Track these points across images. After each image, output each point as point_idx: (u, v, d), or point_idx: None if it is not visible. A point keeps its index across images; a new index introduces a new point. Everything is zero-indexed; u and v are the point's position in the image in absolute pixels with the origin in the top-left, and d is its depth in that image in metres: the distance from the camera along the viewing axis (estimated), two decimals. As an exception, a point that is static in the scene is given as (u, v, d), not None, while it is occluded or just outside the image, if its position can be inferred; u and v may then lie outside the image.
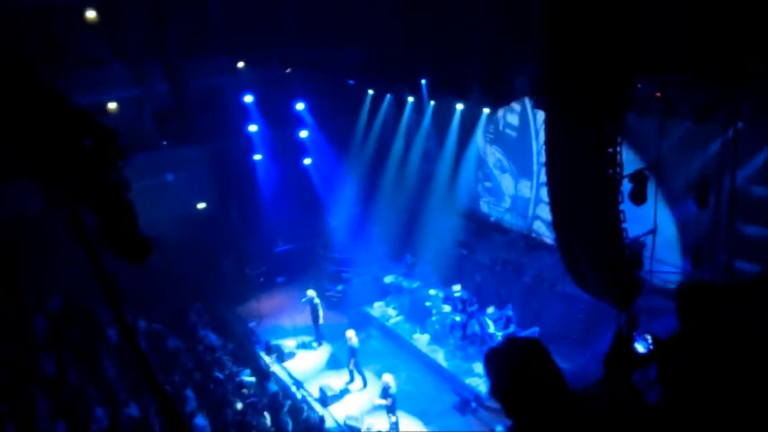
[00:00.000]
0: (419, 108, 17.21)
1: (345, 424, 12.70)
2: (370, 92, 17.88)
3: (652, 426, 2.87)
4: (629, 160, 9.09)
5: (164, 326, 14.65)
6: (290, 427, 12.06)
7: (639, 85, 9.74)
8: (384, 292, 17.41)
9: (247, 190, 18.51)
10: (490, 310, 14.74)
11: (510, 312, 14.37)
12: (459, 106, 15.90)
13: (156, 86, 16.67)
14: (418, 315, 16.16)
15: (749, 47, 8.46)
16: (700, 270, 11.02)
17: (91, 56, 15.69)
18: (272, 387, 13.52)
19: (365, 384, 14.31)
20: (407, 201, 18.24)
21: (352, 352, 14.24)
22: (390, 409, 12.59)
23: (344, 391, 14.18)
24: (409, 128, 17.88)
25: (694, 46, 8.77)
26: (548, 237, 14.30)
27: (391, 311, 16.93)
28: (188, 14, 16.65)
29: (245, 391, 12.96)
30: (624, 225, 8.68)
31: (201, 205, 18.26)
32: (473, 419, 12.91)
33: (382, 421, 12.63)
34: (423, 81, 15.66)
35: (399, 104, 17.76)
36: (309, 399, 13.65)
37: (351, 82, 17.50)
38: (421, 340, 15.66)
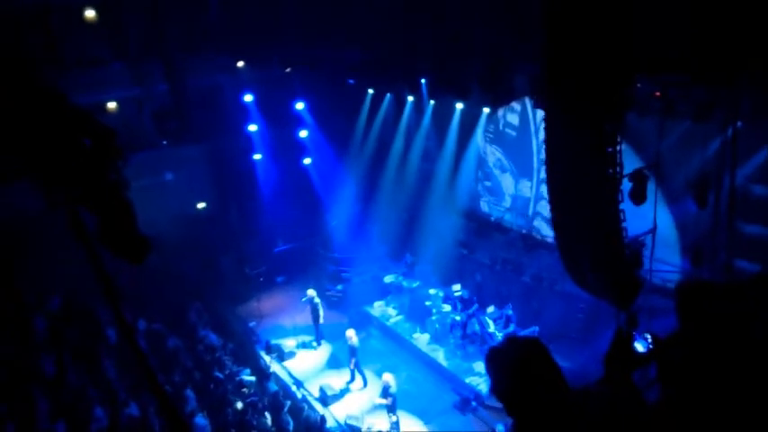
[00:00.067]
0: (419, 107, 17.21)
1: (346, 423, 12.71)
2: (370, 91, 17.88)
3: (652, 425, 2.87)
4: (629, 160, 9.09)
5: (163, 325, 14.66)
6: (290, 426, 12.06)
7: (639, 85, 9.76)
8: (384, 292, 17.41)
9: (247, 189, 18.50)
10: (490, 309, 14.74)
11: (510, 311, 14.38)
12: (459, 106, 15.89)
13: (155, 86, 16.65)
14: (418, 314, 16.16)
15: (748, 46, 8.46)
16: (699, 269, 11.03)
17: (91, 56, 15.67)
18: (273, 387, 13.54)
19: (365, 384, 14.31)
20: (407, 200, 18.24)
21: (353, 351, 14.24)
22: (391, 409, 12.59)
23: (345, 391, 14.18)
24: (409, 127, 17.88)
25: (694, 45, 8.78)
26: (548, 234, 14.28)
27: (391, 311, 16.93)
28: (188, 14, 16.63)
29: (245, 390, 12.96)
30: (624, 224, 8.69)
31: (201, 205, 18.27)
32: (473, 418, 12.90)
33: (383, 421, 12.63)
34: (422, 80, 15.66)
35: (399, 104, 17.76)
36: (310, 398, 13.65)
37: (351, 81, 17.50)
38: (421, 339, 15.66)
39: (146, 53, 16.36)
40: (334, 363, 15.43)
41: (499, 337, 13.81)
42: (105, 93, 15.49)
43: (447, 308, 15.36)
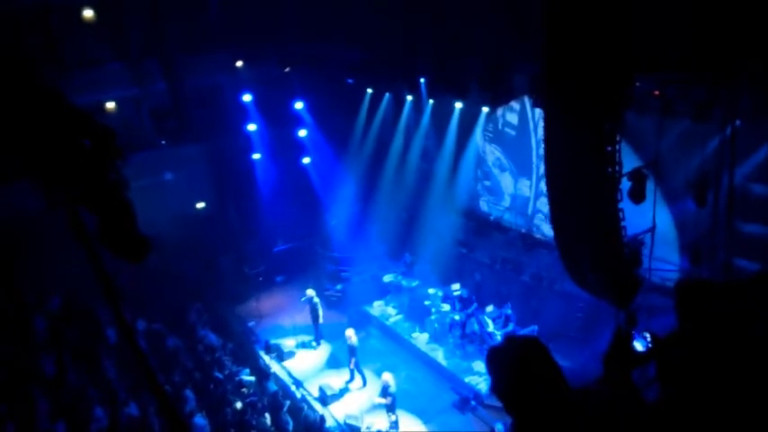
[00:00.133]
0: (418, 107, 17.21)
1: (345, 423, 12.71)
2: (369, 90, 17.88)
3: (651, 423, 2.88)
4: (628, 158, 9.10)
5: (163, 325, 14.66)
6: (290, 426, 12.07)
7: (638, 84, 9.76)
8: (383, 291, 17.41)
9: (246, 189, 18.50)
10: (489, 308, 14.75)
11: (509, 311, 14.38)
12: (458, 105, 15.89)
13: (154, 85, 16.67)
14: (417, 314, 16.17)
15: (747, 45, 8.47)
16: (698, 268, 11.04)
17: (91, 56, 15.68)
18: (272, 386, 13.53)
19: (365, 383, 14.31)
20: (406, 199, 18.24)
21: (352, 351, 14.24)
22: (390, 408, 12.59)
23: (344, 390, 14.18)
24: (408, 126, 17.88)
25: (693, 45, 8.80)
26: (549, 232, 14.30)
27: (391, 310, 16.94)
28: (188, 14, 16.64)
29: (244, 390, 12.96)
30: (623, 223, 8.70)
31: (200, 204, 18.26)
32: (472, 418, 12.91)
33: (382, 420, 12.64)
34: (422, 80, 15.66)
35: (398, 103, 17.76)
36: (309, 398, 13.66)
37: (350, 81, 17.51)
38: (420, 339, 15.67)
39: (146, 53, 16.36)
40: (333, 362, 15.44)
41: (498, 337, 13.83)
42: (104, 92, 15.50)
43: (446, 307, 15.37)
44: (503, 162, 16.36)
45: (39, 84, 3.65)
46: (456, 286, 15.65)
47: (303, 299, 15.98)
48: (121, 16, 15.80)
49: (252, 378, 13.58)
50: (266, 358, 14.91)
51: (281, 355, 15.30)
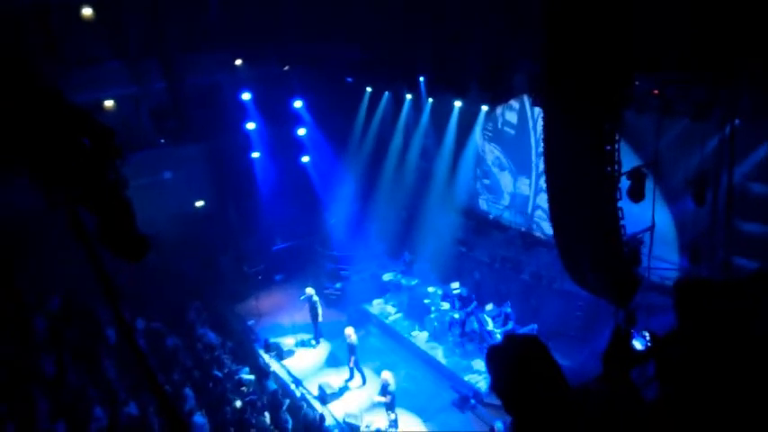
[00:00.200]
0: (417, 105, 17.21)
1: (344, 421, 12.71)
2: (369, 89, 17.89)
3: (650, 422, 2.89)
4: (627, 158, 9.11)
5: (162, 324, 14.65)
6: (289, 425, 12.08)
7: (637, 83, 9.77)
8: (383, 290, 17.42)
9: (245, 188, 18.50)
10: (489, 307, 14.76)
11: (509, 309, 14.39)
12: (458, 104, 15.90)
13: (153, 84, 16.65)
14: (417, 312, 16.18)
15: (746, 45, 8.48)
16: (697, 267, 11.05)
17: (89, 54, 15.66)
18: (272, 385, 13.54)
19: (364, 382, 14.32)
20: (406, 198, 18.25)
21: (352, 349, 14.25)
22: (389, 407, 12.60)
23: (343, 389, 14.19)
24: (407, 125, 17.89)
25: (692, 44, 8.80)
26: (548, 231, 14.31)
27: (390, 309, 16.95)
28: (187, 13, 16.62)
29: (244, 389, 12.96)
30: (622, 222, 8.71)
31: (199, 203, 18.26)
32: (472, 416, 12.94)
33: (381, 418, 12.64)
34: (421, 78, 15.66)
35: (398, 102, 17.76)
36: (308, 396, 13.66)
37: (349, 79, 17.51)
38: (420, 337, 15.68)
39: (145, 52, 16.35)
40: (332, 361, 15.44)
41: (498, 335, 13.84)
42: (103, 91, 15.49)
43: (446, 306, 15.37)
44: (502, 161, 16.37)
45: (38, 82, 3.65)
46: (455, 285, 15.65)
47: (302, 297, 15.98)
48: (120, 14, 15.78)
49: (251, 377, 13.57)
50: (266, 357, 14.91)
51: (280, 354, 15.30)
